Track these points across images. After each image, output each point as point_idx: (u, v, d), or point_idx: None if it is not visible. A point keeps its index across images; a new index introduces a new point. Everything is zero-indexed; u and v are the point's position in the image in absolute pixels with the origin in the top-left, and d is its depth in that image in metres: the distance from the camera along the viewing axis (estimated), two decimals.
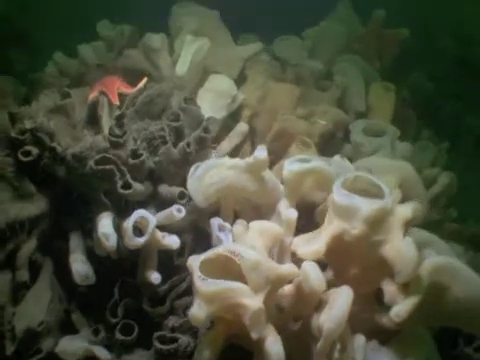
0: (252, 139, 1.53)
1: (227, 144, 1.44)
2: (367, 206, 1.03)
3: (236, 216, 1.26)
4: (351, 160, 1.55)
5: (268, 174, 1.22)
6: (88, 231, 1.21)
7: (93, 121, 1.21)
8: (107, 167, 1.11)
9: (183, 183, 1.22)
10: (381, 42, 1.94)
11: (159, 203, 1.23)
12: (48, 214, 1.19)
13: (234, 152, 1.49)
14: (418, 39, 2.54)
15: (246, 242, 1.06)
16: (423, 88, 2.43)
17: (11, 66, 3.03)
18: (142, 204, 1.20)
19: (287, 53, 1.72)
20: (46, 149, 1.12)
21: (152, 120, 1.26)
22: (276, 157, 1.49)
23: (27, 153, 1.11)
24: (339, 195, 1.06)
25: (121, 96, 1.31)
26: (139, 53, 1.52)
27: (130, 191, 1.13)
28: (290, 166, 1.17)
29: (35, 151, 1.11)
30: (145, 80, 1.32)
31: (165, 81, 1.45)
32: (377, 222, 1.03)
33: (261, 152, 1.17)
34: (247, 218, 1.23)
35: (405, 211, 1.07)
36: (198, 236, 1.29)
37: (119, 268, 1.23)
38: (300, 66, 1.71)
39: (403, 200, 1.26)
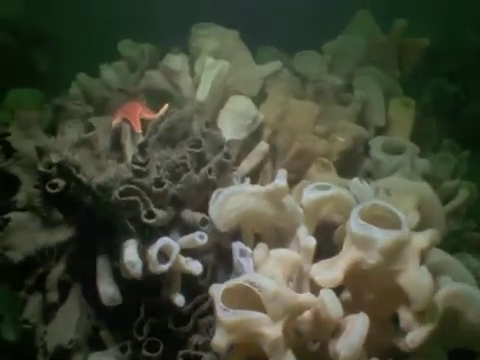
0: (273, 157, 1.56)
1: (247, 164, 1.47)
2: (384, 237, 1.05)
3: (257, 238, 1.30)
4: (371, 176, 1.58)
5: (288, 200, 1.25)
6: (115, 255, 1.25)
7: (116, 149, 1.25)
8: (131, 198, 1.15)
9: (205, 207, 1.26)
10: (402, 51, 1.94)
11: (182, 227, 1.27)
12: (75, 239, 1.24)
13: (254, 171, 1.51)
14: (440, 38, 2.53)
15: (266, 271, 1.10)
16: (445, 91, 2.42)
17: (34, 67, 3.08)
18: (166, 229, 1.24)
19: (307, 69, 1.74)
20: (72, 180, 1.16)
21: (174, 145, 1.29)
22: (296, 176, 1.51)
23: (54, 185, 1.15)
24: (356, 225, 1.09)
25: (143, 122, 1.34)
26: (160, 74, 1.55)
27: (153, 220, 1.17)
28: (309, 194, 1.20)
29: (62, 183, 1.15)
30: (167, 106, 1.35)
31: (186, 102, 1.48)
32: (394, 253, 1.05)
33: (281, 180, 1.21)
34: (268, 240, 1.27)
35: (422, 240, 1.09)
36: (220, 256, 1.33)
37: (144, 288, 1.27)
38: (320, 81, 1.72)
39: (421, 222, 1.29)
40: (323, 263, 1.16)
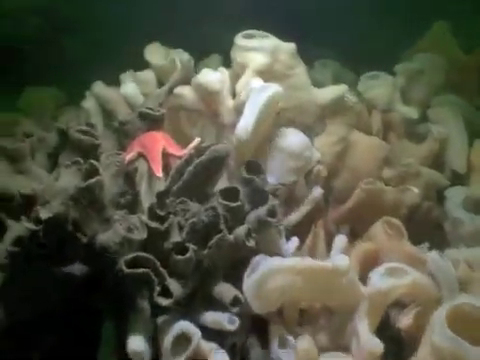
0: (328, 205, 1.25)
1: (296, 216, 1.17)
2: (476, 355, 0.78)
3: (301, 315, 1.04)
4: (447, 236, 1.27)
5: (348, 279, 0.95)
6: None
7: (128, 196, 0.96)
8: (141, 271, 0.85)
9: (239, 282, 0.97)
10: None
11: (206, 303, 0.97)
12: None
13: (305, 219, 1.20)
14: None
15: None
16: None
17: (63, 55, 2.91)
18: (185, 307, 0.94)
19: (375, 94, 1.41)
20: (66, 236, 0.87)
21: (204, 194, 0.99)
22: (357, 229, 1.23)
23: (42, 245, 0.86)
24: (442, 337, 0.81)
25: (166, 159, 1.05)
26: (193, 92, 1.23)
27: (169, 301, 0.88)
28: (380, 283, 0.92)
29: (53, 244, 0.86)
30: (197, 140, 1.05)
31: (223, 134, 1.17)
32: None
33: (343, 260, 0.92)
34: (314, 321, 1.03)
35: None
36: (252, 338, 1.03)
37: None
38: (390, 112, 1.40)
39: None
40: None
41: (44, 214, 0.82)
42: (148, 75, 1.33)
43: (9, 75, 2.51)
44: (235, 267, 1.01)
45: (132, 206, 0.99)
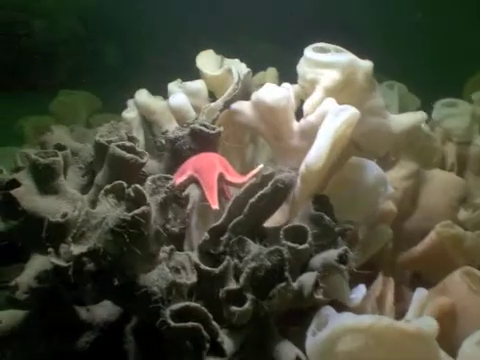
0: (396, 242, 1.09)
1: (360, 258, 1.00)
2: None
3: None
4: None
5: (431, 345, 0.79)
6: None
7: (175, 228, 0.81)
8: (191, 325, 0.70)
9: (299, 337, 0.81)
10: None
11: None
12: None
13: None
14: None
15: None
16: None
17: (102, 58, 2.87)
18: None
19: (452, 124, 1.24)
20: (101, 276, 0.72)
21: (265, 233, 0.84)
22: (428, 276, 1.10)
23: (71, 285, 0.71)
24: None
25: (222, 186, 0.89)
26: (252, 109, 1.07)
27: None
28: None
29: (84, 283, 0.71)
30: (261, 167, 0.90)
31: (288, 160, 1.00)
32: None
33: (430, 324, 0.77)
34: None
35: None
36: None
37: None
38: (467, 145, 1.23)
39: None
40: None
41: (77, 249, 0.67)
42: (199, 86, 1.16)
43: (43, 76, 2.41)
44: (295, 319, 0.86)
45: (180, 240, 0.84)
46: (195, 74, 1.27)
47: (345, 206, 0.98)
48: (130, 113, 1.22)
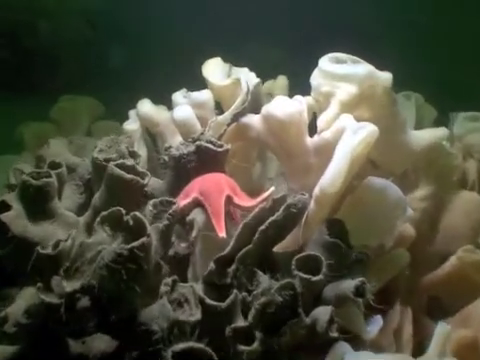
0: (414, 267, 1.02)
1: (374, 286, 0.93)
2: None
3: None
4: None
5: None
6: None
7: (178, 258, 0.74)
8: None
9: None
10: None
11: None
12: None
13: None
14: None
15: None
16: None
17: (105, 62, 2.83)
18: None
19: (474, 140, 1.17)
20: (96, 312, 0.65)
21: (275, 262, 0.77)
22: (447, 304, 1.04)
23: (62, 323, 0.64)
24: None
25: (229, 209, 0.82)
26: (262, 123, 1.00)
27: None
28: None
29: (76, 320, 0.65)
30: (272, 190, 0.83)
31: (300, 182, 0.93)
32: None
33: None
34: None
35: None
36: None
37: None
38: None
39: None
40: None
41: (69, 286, 0.61)
42: (205, 96, 1.09)
43: (46, 79, 2.36)
44: (307, 354, 0.79)
45: (184, 265, 0.77)
46: (202, 81, 1.21)
47: (360, 230, 0.90)
48: (131, 125, 1.16)
